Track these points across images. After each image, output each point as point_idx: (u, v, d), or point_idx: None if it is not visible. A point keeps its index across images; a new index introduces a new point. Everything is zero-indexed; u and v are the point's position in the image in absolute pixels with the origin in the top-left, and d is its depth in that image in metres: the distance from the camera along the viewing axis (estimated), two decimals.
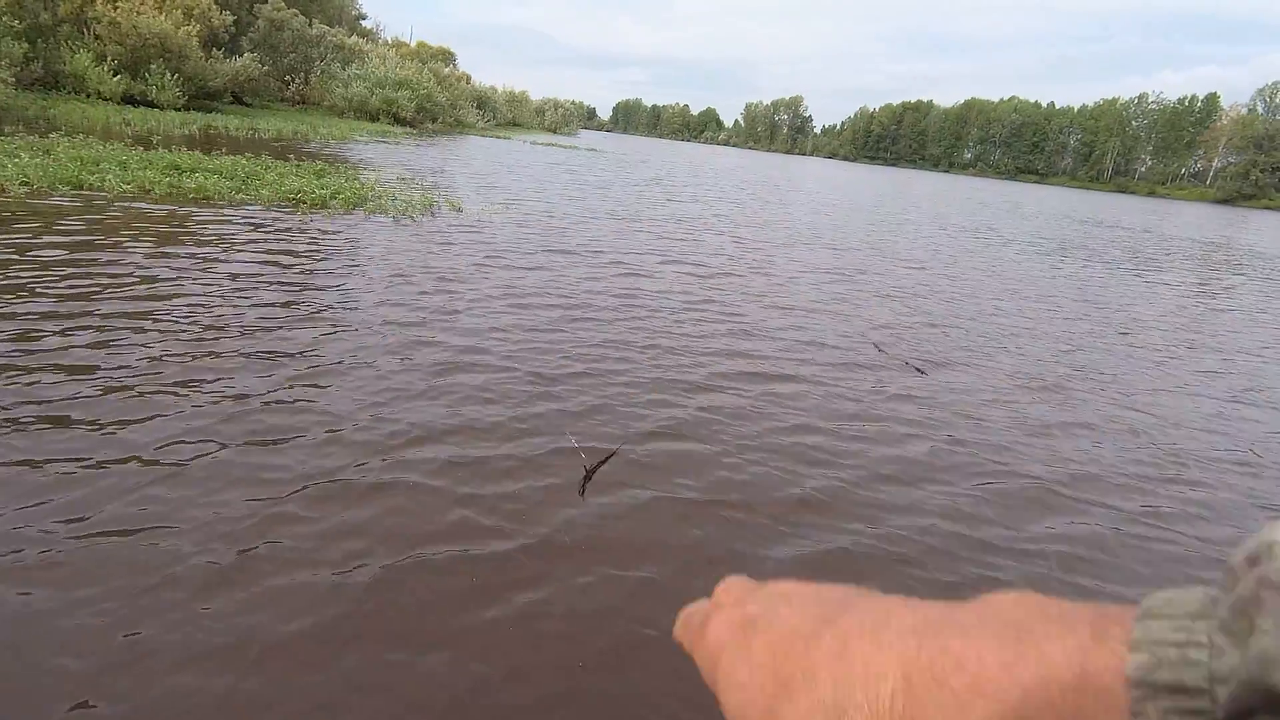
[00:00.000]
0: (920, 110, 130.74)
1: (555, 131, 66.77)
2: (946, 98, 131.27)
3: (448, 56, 48.83)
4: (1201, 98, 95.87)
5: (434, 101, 35.07)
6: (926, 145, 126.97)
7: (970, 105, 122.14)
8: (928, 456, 3.64)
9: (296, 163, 10.99)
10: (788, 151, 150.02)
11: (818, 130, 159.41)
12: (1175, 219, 35.55)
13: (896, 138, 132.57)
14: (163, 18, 20.45)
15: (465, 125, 40.83)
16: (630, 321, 5.41)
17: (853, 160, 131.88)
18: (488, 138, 36.12)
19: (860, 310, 6.83)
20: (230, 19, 24.00)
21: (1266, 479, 3.93)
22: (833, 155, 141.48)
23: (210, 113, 20.19)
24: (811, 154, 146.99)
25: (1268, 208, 79.13)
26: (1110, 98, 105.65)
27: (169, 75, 19.91)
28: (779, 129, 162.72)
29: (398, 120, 31.93)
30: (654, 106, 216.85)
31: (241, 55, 24.84)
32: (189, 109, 20.02)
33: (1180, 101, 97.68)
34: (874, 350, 5.50)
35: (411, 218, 8.32)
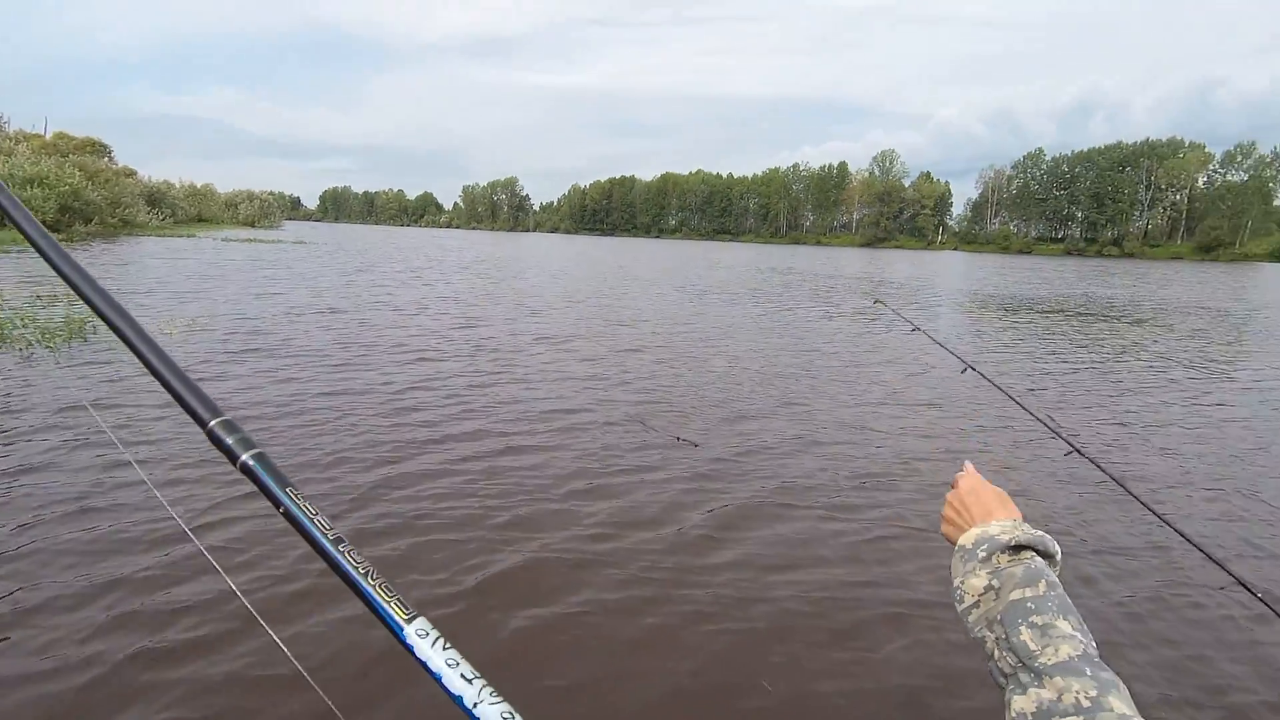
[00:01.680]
0: (626, 185, 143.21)
1: (254, 225, 59.98)
2: (647, 172, 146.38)
3: (99, 149, 41.30)
4: (836, 165, 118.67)
5: (84, 200, 29.01)
6: (636, 215, 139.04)
7: (667, 178, 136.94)
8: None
9: None
10: (511, 229, 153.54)
11: (537, 207, 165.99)
12: (835, 262, 42.56)
13: (609, 210, 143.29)
14: None
15: (134, 225, 34.48)
16: (355, 413, 4.13)
17: (573, 233, 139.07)
18: (166, 238, 30.76)
19: (611, 378, 6.26)
20: None
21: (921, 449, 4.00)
22: (554, 230, 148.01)
23: None
24: (534, 230, 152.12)
25: (897, 247, 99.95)
26: (774, 167, 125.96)
27: None
28: (499, 208, 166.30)
29: None
30: (366, 193, 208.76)
31: None
32: None
33: (823, 169, 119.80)
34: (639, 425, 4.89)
35: (52, 347, 5.99)
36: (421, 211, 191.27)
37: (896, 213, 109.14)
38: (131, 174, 41.44)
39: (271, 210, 66.45)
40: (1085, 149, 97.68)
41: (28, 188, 26.04)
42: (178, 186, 51.33)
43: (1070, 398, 7.10)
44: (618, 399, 6.20)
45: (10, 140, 33.16)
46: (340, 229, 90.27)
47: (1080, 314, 15.68)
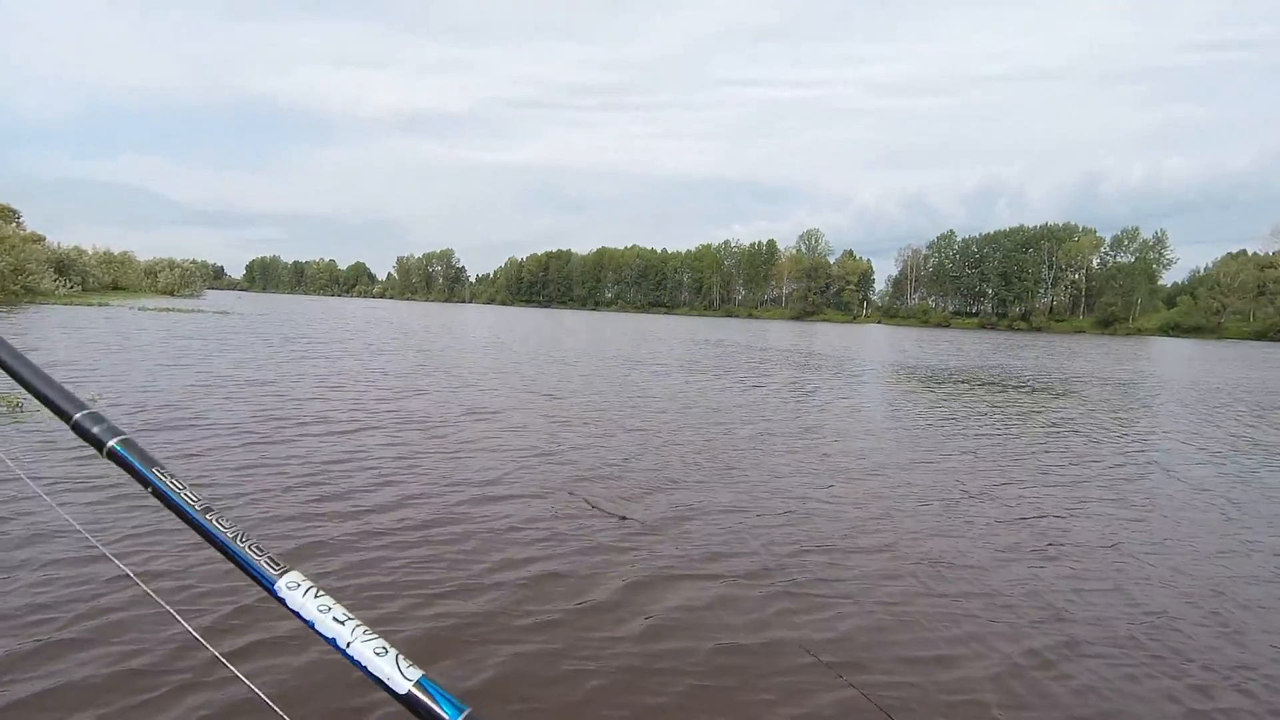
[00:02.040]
0: (562, 258, 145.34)
1: (173, 294, 57.58)
2: (583, 246, 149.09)
3: (6, 214, 39.24)
4: (765, 243, 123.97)
5: None
6: (573, 287, 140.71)
7: (603, 252, 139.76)
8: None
9: None
10: (446, 300, 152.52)
11: (473, 279, 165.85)
12: (766, 334, 43.86)
13: (546, 282, 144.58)
14: None
15: (39, 293, 32.57)
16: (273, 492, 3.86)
17: (509, 304, 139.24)
18: (74, 306, 29.10)
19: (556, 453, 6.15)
20: None
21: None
22: (490, 301, 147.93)
23: None
24: (470, 301, 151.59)
25: (825, 320, 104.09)
26: (706, 244, 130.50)
27: None
28: (435, 279, 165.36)
29: None
30: (296, 263, 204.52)
31: None
32: None
33: (753, 245, 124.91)
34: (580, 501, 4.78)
35: None
36: (354, 282, 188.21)
37: (823, 288, 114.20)
38: (39, 240, 39.43)
39: (193, 279, 64.05)
40: (992, 231, 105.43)
41: None
42: (90, 253, 49.02)
43: (991, 465, 7.37)
44: (547, 471, 6.06)
45: None
46: (266, 299, 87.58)
47: (994, 384, 16.51)
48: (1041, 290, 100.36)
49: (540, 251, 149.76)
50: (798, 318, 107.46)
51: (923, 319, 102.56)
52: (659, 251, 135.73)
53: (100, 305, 32.01)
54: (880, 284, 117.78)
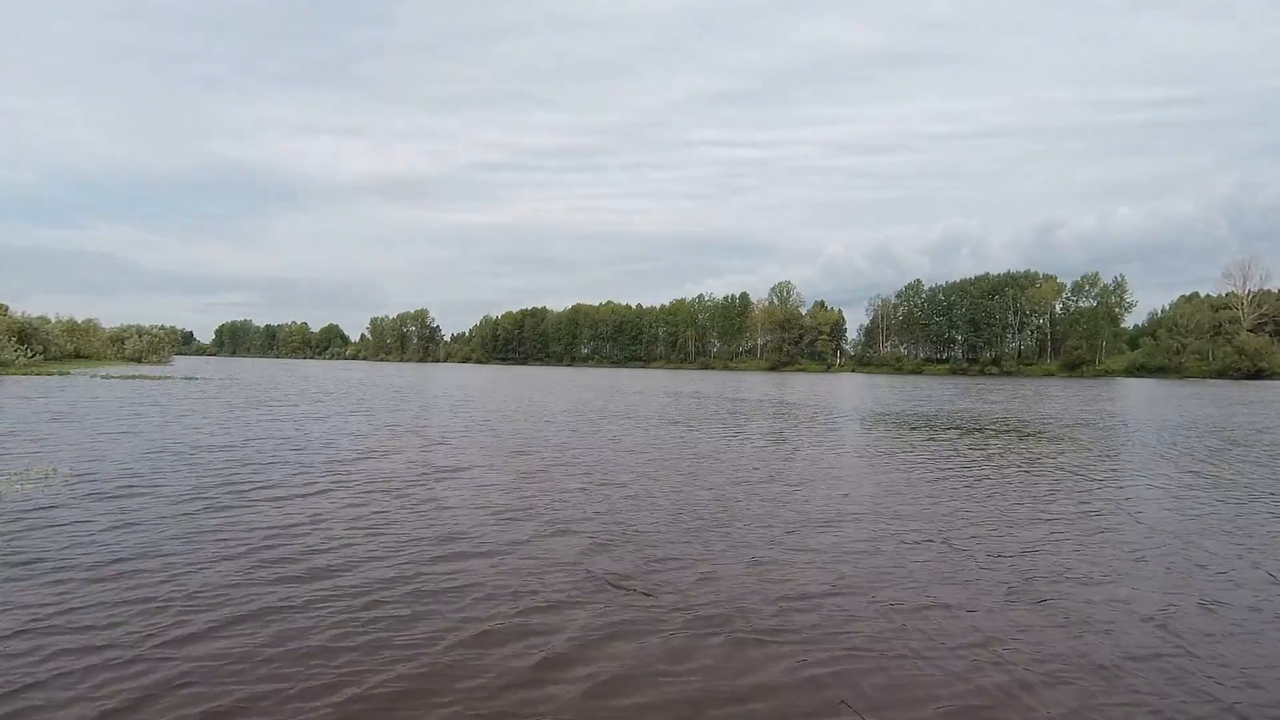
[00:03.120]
0: (538, 315, 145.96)
1: (140, 361, 56.56)
2: (558, 303, 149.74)
3: None
4: (738, 295, 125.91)
5: None
6: (548, 344, 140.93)
7: (578, 309, 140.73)
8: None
9: None
10: (421, 359, 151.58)
11: (448, 338, 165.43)
12: (742, 385, 44.11)
13: (521, 340, 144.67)
14: None
15: (1, 364, 31.80)
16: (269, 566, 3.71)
17: (485, 362, 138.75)
18: (36, 376, 28.42)
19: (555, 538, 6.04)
20: None
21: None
22: (466, 359, 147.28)
23: None
24: (445, 360, 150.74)
25: (800, 370, 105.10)
26: (680, 299, 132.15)
27: None
28: (409, 339, 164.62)
29: None
30: (268, 326, 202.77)
31: None
32: None
33: (726, 299, 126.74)
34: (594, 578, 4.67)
35: None
36: (327, 344, 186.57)
37: (797, 338, 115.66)
38: (2, 310, 38.71)
39: (160, 345, 63.06)
40: (958, 279, 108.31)
41: None
42: (54, 322, 48.23)
43: (976, 516, 7.39)
44: (523, 528, 5.95)
45: None
46: (236, 363, 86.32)
47: (970, 429, 16.69)
48: (1009, 335, 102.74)
49: (515, 309, 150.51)
50: (773, 368, 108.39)
51: (895, 366, 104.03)
52: (633, 307, 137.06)
53: (60, 375, 31.32)
54: (852, 333, 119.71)
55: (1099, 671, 3.55)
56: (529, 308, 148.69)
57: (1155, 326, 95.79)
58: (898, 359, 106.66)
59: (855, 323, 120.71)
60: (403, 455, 10.30)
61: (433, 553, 5.24)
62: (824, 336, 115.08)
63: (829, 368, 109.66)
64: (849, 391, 38.78)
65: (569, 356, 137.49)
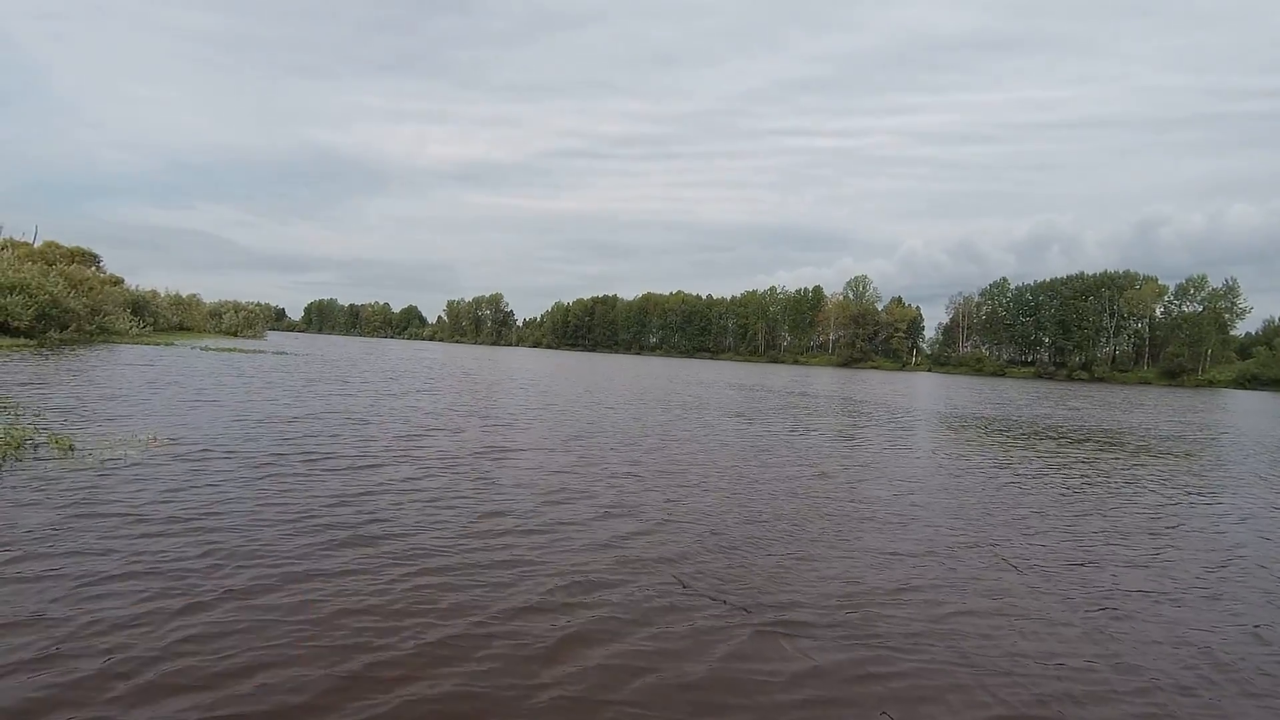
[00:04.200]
0: (608, 303, 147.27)
1: (236, 335, 60.30)
2: (628, 292, 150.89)
3: (88, 258, 42.02)
4: (811, 289, 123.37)
5: (63, 308, 29.12)
6: (618, 332, 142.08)
7: (648, 298, 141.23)
8: None
9: None
10: (494, 343, 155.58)
11: (520, 322, 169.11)
12: (812, 380, 43.27)
13: (591, 327, 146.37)
14: None
15: (113, 333, 34.48)
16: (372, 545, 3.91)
17: (555, 348, 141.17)
18: (145, 345, 30.70)
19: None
20: None
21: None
22: (536, 344, 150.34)
23: None
24: (517, 344, 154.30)
25: (873, 367, 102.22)
26: (751, 290, 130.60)
27: None
28: (483, 322, 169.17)
29: (5, 330, 25.57)
30: (351, 305, 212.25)
31: None
32: None
33: (798, 292, 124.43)
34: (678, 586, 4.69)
35: None
36: (405, 324, 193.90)
37: (871, 335, 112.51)
38: (118, 282, 41.94)
39: (255, 320, 66.96)
40: (1047, 279, 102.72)
41: (7, 294, 26.18)
42: (163, 296, 51.90)
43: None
44: (571, 509, 6.04)
45: None
46: (323, 340, 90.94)
47: (1056, 436, 15.84)
48: (1103, 339, 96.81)
49: (586, 297, 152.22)
50: (845, 365, 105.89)
51: (975, 367, 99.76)
52: (703, 297, 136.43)
53: (168, 345, 33.74)
54: (930, 331, 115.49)
55: (1155, 693, 3.31)
56: (599, 295, 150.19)
57: (1272, 335, 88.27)
58: (978, 360, 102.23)
59: (934, 320, 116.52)
60: (465, 434, 10.60)
61: (480, 527, 5.37)
62: (899, 334, 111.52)
63: (903, 366, 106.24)
64: (924, 391, 37.48)
65: (637, 345, 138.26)
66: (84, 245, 44.73)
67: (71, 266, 35.27)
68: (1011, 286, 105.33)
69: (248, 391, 14.34)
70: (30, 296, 27.09)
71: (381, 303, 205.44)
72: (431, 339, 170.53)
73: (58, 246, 41.16)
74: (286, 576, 4.06)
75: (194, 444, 7.90)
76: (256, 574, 4.05)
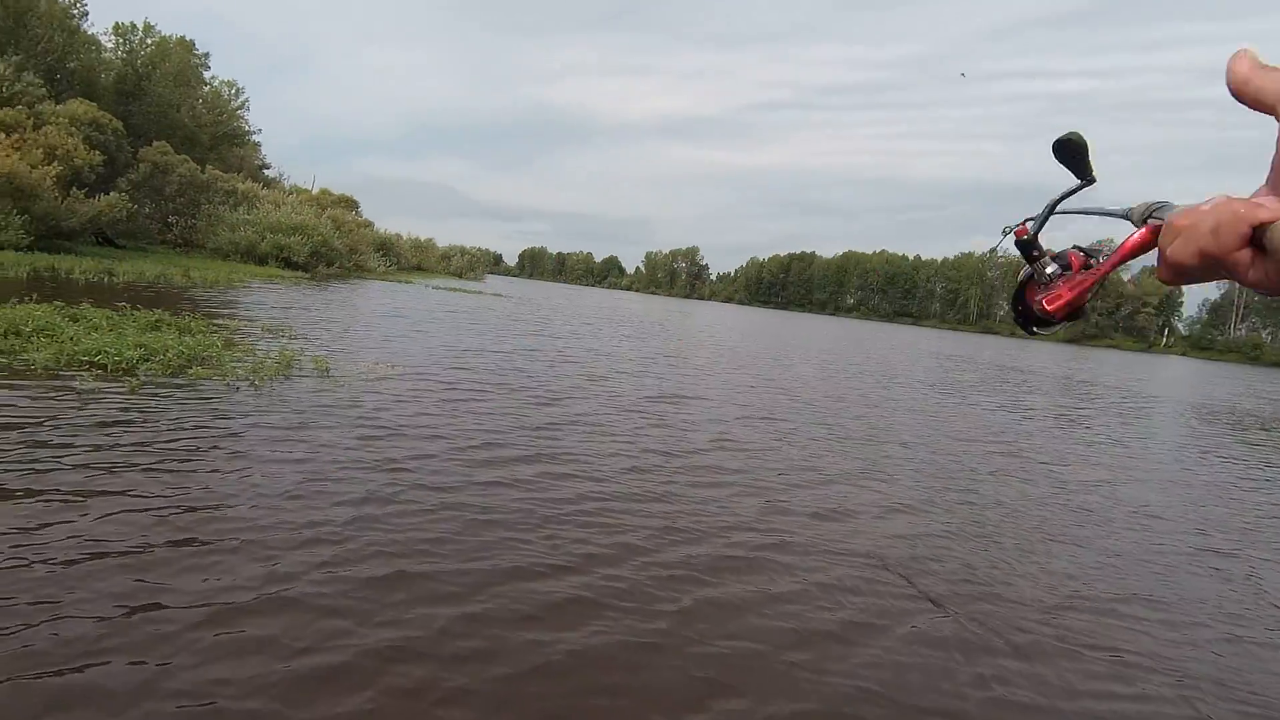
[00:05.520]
0: (805, 260, 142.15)
1: (461, 276, 67.00)
2: (826, 250, 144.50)
3: (350, 204, 48.67)
4: None
5: (330, 246, 34.16)
6: (813, 291, 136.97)
7: (849, 256, 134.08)
8: None
9: (132, 311, 9.36)
10: (686, 296, 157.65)
11: (714, 277, 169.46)
12: (1034, 357, 38.59)
13: (785, 284, 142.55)
14: (18, 157, 18.85)
15: (365, 270, 39.96)
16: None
17: (747, 304, 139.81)
18: (388, 282, 35.24)
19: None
20: (99, 158, 22.56)
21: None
22: (729, 300, 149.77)
23: (60, 254, 18.24)
24: (709, 299, 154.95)
25: (1111, 346, 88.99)
26: (967, 252, 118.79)
27: (15, 215, 18.03)
28: (678, 275, 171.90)
29: (289, 264, 30.60)
30: (559, 254, 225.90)
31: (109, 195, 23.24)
32: (35, 249, 18.00)
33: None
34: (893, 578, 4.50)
35: (256, 384, 6.87)
36: (606, 274, 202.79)
37: (1112, 308, 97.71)
38: (370, 225, 48.22)
39: (477, 264, 73.93)
40: None
41: (290, 234, 31.23)
42: (405, 239, 58.91)
43: None
44: (719, 456, 5.95)
45: (285, 194, 40.15)
46: (533, 284, 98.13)
47: None
48: None
49: (783, 253, 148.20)
50: (1074, 341, 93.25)
51: (1250, 354, 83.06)
52: (910, 258, 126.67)
53: (407, 283, 38.43)
54: (1190, 309, 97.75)
55: None
56: (796, 251, 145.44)
57: None
58: (1255, 346, 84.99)
59: (1194, 298, 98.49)
60: (653, 380, 10.85)
61: (637, 464, 5.46)
62: (1148, 309, 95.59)
63: (1149, 347, 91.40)
64: (1175, 379, 31.96)
65: (834, 305, 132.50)
66: (348, 193, 51.92)
67: (337, 211, 41.10)
68: None
69: (468, 326, 15.88)
70: (307, 237, 32.10)
71: (585, 252, 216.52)
72: (629, 289, 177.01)
73: (329, 194, 48.07)
74: (447, 493, 4.42)
75: (420, 371, 8.90)
76: (452, 477, 4.46)
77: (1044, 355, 43.33)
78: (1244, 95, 0.56)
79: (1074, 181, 0.86)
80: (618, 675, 2.75)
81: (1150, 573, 4.69)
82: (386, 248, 48.70)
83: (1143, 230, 0.74)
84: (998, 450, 8.65)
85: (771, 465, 6.40)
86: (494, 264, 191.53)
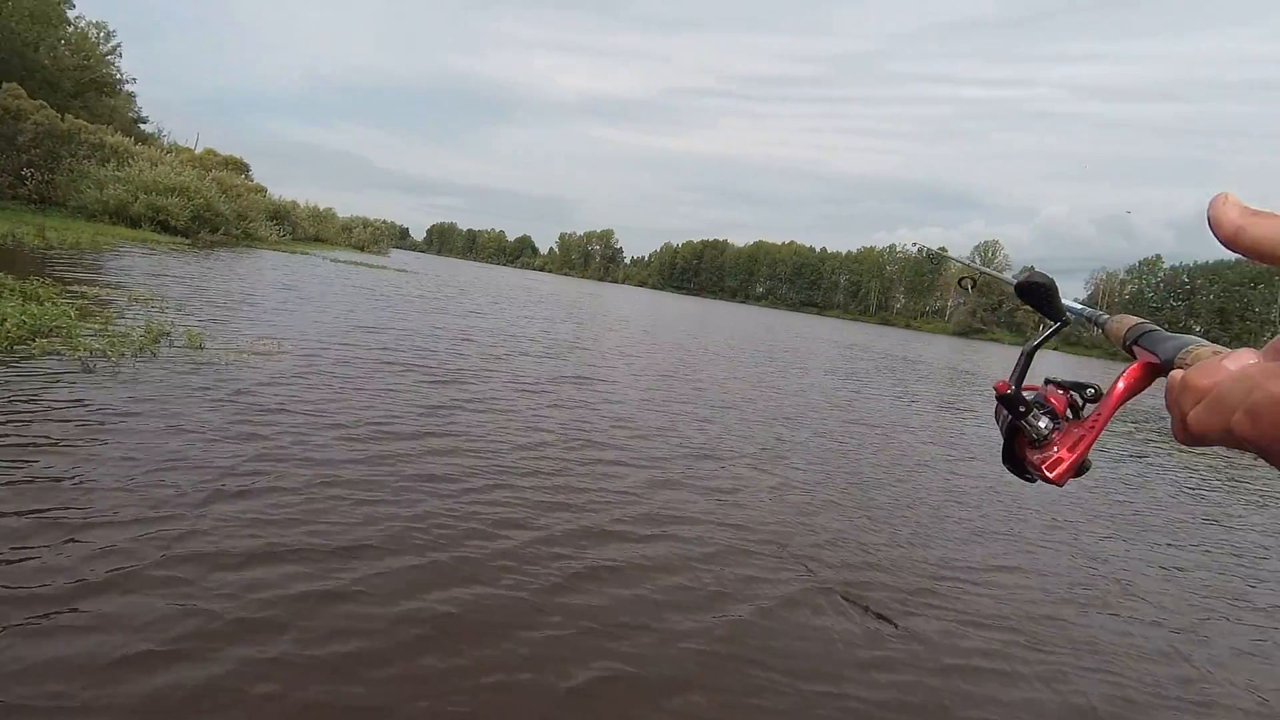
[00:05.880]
0: (718, 248, 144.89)
1: (363, 250, 63.95)
2: (740, 239, 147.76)
3: (239, 166, 45.36)
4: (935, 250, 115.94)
5: (215, 211, 31.73)
6: (724, 279, 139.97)
7: (759, 246, 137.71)
8: None
9: None
10: (600, 279, 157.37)
11: (628, 260, 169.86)
12: (927, 348, 41.05)
13: (699, 271, 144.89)
14: None
15: (255, 238, 37.36)
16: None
17: (660, 289, 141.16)
18: (282, 253, 33.08)
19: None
20: None
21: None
22: (642, 284, 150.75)
23: None
24: (623, 282, 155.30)
25: (993, 339, 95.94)
26: (869, 246, 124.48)
27: None
28: (592, 258, 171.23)
29: (166, 229, 28.19)
30: (469, 231, 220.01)
31: None
32: None
33: (920, 252, 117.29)
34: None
35: (113, 358, 6.21)
36: (519, 253, 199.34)
37: (995, 305, 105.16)
38: (262, 191, 45.12)
39: (381, 238, 70.68)
40: (1210, 261, 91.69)
41: (168, 195, 28.75)
42: (302, 207, 55.54)
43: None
44: (605, 433, 5.97)
45: (163, 151, 36.88)
46: (440, 261, 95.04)
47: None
48: (1267, 334, 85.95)
49: (697, 240, 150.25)
50: (962, 334, 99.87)
51: (1111, 350, 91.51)
52: (817, 250, 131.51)
53: (303, 254, 36.24)
54: None
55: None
56: (710, 239, 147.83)
57: None
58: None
59: (1068, 297, 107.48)
60: (558, 362, 10.73)
61: (533, 443, 5.39)
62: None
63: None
64: (1047, 372, 34.71)
65: (744, 294, 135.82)
66: (237, 155, 48.29)
67: (223, 174, 38.19)
68: (1165, 266, 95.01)
69: (366, 302, 15.14)
70: (188, 199, 29.65)
71: (498, 230, 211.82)
72: (541, 269, 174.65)
73: (214, 154, 44.64)
74: (330, 470, 4.21)
75: (309, 348, 8.38)
76: (334, 456, 4.23)
77: (933, 347, 46.07)
78: (1238, 245, 0.51)
79: (1047, 325, 0.79)
80: (494, 647, 2.69)
81: (1015, 547, 5.04)
82: (281, 216, 45.74)
83: (1134, 366, 0.64)
84: (886, 433, 9.09)
85: (671, 446, 6.45)
86: (400, 238, 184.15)
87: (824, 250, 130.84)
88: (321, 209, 61.48)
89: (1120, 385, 0.66)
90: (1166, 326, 0.64)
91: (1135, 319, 0.68)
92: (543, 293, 38.89)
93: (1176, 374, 0.51)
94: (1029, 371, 0.79)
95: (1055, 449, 0.69)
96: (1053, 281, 0.74)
